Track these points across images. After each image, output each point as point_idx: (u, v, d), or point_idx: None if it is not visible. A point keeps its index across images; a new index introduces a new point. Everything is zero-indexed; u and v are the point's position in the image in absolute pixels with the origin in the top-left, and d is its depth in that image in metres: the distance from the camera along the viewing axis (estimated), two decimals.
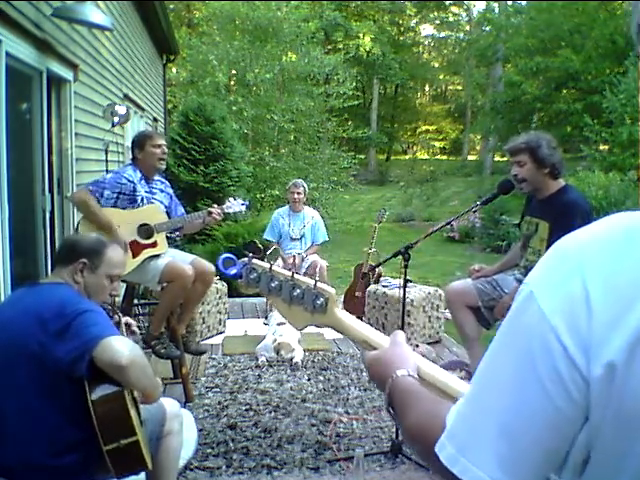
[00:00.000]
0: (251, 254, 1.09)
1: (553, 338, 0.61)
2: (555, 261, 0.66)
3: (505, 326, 0.68)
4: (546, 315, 0.62)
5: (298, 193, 5.56)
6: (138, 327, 2.42)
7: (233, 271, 1.06)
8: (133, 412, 1.74)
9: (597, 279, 0.61)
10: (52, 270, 2.04)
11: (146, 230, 3.42)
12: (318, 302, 0.99)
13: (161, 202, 3.60)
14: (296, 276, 1.03)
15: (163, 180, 3.77)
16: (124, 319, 2.24)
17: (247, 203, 3.88)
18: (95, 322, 1.69)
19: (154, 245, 3.43)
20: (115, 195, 3.37)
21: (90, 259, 1.92)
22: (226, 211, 3.70)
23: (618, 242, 0.64)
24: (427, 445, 0.70)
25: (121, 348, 1.63)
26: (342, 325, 1.01)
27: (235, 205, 3.75)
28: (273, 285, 1.04)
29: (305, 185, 5.69)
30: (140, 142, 3.52)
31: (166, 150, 3.57)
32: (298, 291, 1.01)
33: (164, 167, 3.61)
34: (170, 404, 2.13)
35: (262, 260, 1.08)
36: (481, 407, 0.67)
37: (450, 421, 0.69)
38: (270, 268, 1.05)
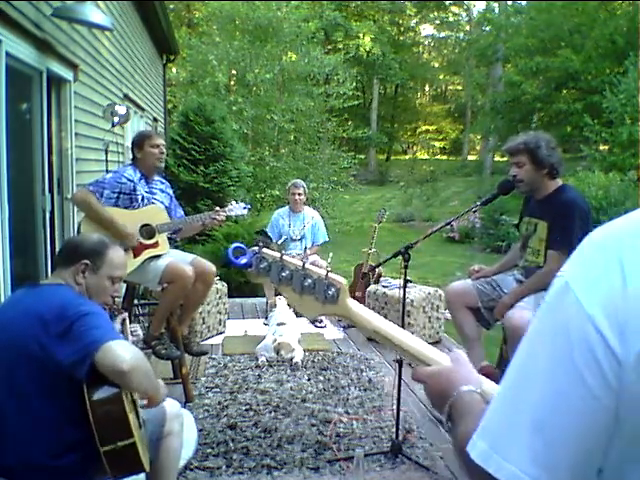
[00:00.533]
0: (261, 243, 1.08)
1: (591, 327, 0.61)
2: (592, 252, 0.66)
3: (539, 319, 0.67)
4: (584, 305, 0.62)
5: (299, 194, 5.56)
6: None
7: (243, 260, 1.06)
8: (131, 414, 1.73)
9: (636, 270, 0.62)
10: (52, 271, 2.04)
11: (148, 230, 3.43)
12: (330, 292, 0.99)
13: (161, 202, 3.61)
14: (307, 266, 1.02)
15: (163, 180, 3.78)
16: (130, 327, 2.24)
17: (249, 206, 3.88)
18: (97, 325, 1.68)
19: (155, 245, 3.44)
20: (115, 195, 3.38)
21: (92, 260, 1.92)
22: (228, 214, 3.71)
23: None
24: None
25: (122, 353, 1.62)
26: (353, 314, 1.01)
27: (237, 208, 3.76)
28: (284, 275, 1.03)
29: (305, 185, 5.69)
30: (139, 142, 3.54)
31: (164, 150, 3.59)
32: (309, 281, 1.01)
33: (163, 166, 3.64)
34: (170, 404, 2.13)
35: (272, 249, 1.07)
36: (515, 401, 0.65)
37: (483, 420, 0.67)
38: (281, 257, 1.04)
